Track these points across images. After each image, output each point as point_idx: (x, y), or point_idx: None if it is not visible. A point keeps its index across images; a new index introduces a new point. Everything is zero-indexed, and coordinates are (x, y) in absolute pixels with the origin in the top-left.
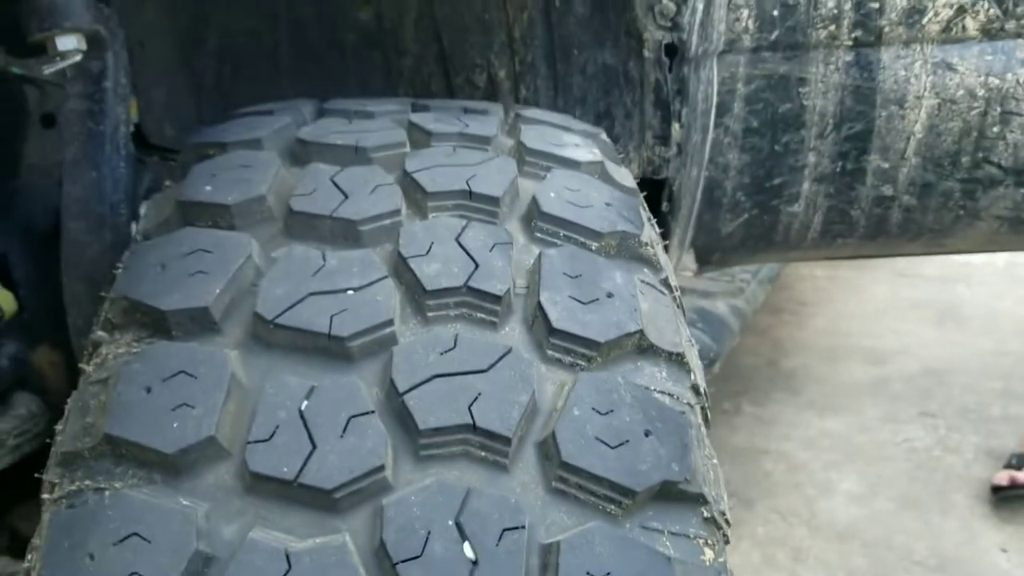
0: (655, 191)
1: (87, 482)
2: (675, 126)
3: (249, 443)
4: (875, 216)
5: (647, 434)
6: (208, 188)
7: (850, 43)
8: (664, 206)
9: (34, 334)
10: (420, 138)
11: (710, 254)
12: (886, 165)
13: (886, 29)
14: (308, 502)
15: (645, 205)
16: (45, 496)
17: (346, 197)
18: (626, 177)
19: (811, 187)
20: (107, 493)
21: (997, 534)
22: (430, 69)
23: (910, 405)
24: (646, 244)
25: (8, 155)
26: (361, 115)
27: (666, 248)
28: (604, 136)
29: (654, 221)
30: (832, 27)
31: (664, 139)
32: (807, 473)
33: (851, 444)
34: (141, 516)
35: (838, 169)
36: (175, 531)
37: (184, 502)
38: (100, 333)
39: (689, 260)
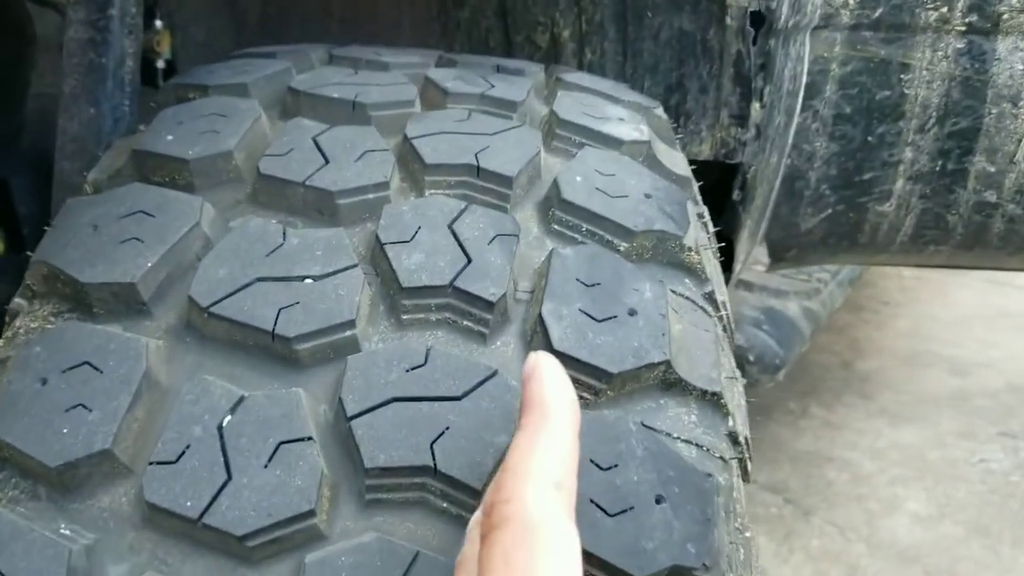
0: (727, 177)
1: None
2: (755, 105)
3: (151, 464)
4: (974, 224)
5: (659, 500)
6: (169, 138)
7: (962, 28)
8: (735, 194)
9: None
10: (434, 97)
11: (786, 251)
12: (992, 168)
13: (1005, 16)
14: (216, 546)
15: (698, 198)
16: None
17: (327, 162)
18: (679, 163)
19: (905, 186)
20: None
21: None
22: (489, 23)
23: (990, 423)
24: (689, 249)
25: (14, 82)
26: (372, 65)
27: (733, 243)
28: (660, 111)
29: (707, 219)
30: (944, 9)
31: (742, 119)
32: (872, 486)
33: (922, 459)
34: (7, 544)
35: (937, 168)
36: (42, 570)
37: (64, 530)
38: (19, 301)
39: (761, 254)
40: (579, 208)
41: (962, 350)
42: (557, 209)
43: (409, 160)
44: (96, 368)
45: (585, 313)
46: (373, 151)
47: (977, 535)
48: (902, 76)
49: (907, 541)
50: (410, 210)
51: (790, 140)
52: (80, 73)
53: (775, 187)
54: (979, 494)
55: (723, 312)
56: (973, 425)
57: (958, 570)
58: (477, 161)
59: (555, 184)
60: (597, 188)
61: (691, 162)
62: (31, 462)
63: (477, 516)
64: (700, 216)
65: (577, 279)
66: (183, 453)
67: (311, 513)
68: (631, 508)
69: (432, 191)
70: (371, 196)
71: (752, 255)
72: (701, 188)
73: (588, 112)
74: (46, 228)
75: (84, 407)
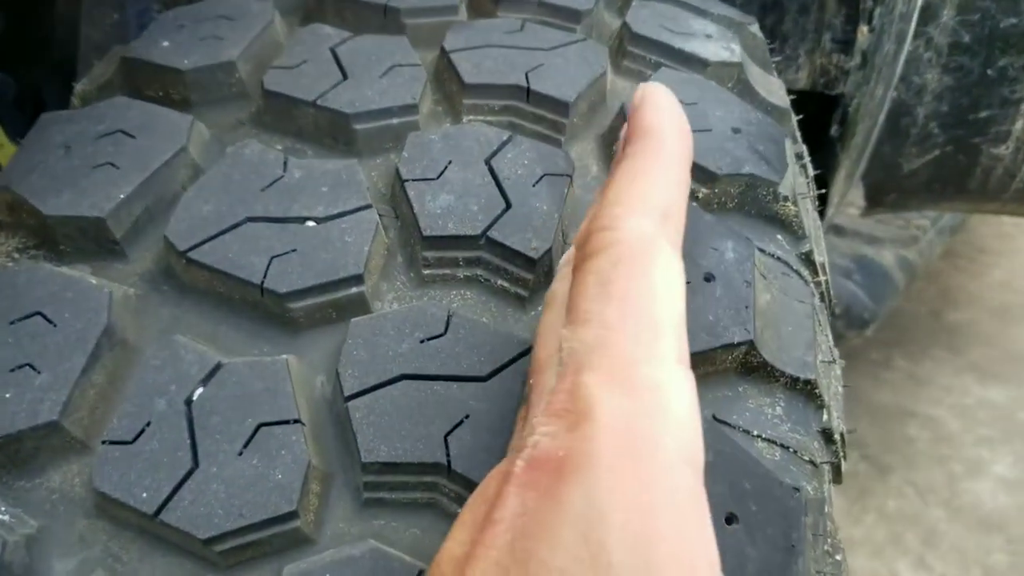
0: (825, 109)
1: None
2: (862, 29)
3: (103, 443)
4: None
5: (730, 520)
6: (165, 44)
7: None
8: (834, 129)
9: None
10: (483, 3)
11: (885, 194)
12: None
13: None
14: (178, 546)
15: (798, 135)
16: None
17: (345, 77)
18: (776, 91)
19: None
20: None
21: None
22: None
23: None
24: (785, 198)
25: None
26: None
27: (829, 183)
28: (755, 28)
29: (807, 161)
30: None
31: (846, 45)
32: (955, 447)
33: (1012, 420)
34: None
35: None
36: None
37: (4, 515)
38: None
39: (857, 197)
40: None
41: None
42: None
43: (446, 78)
44: (49, 320)
45: None
46: (402, 66)
47: None
48: None
49: (990, 507)
50: (440, 140)
51: (899, 70)
52: None
53: (879, 122)
54: None
55: (822, 277)
56: None
57: None
58: (527, 82)
59: (621, 112)
60: None
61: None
62: None
63: (568, 254)
64: (799, 157)
65: None
66: (142, 431)
67: (293, 515)
68: None
69: (470, 117)
70: (395, 121)
71: (846, 198)
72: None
73: (668, 26)
74: None
75: (32, 368)
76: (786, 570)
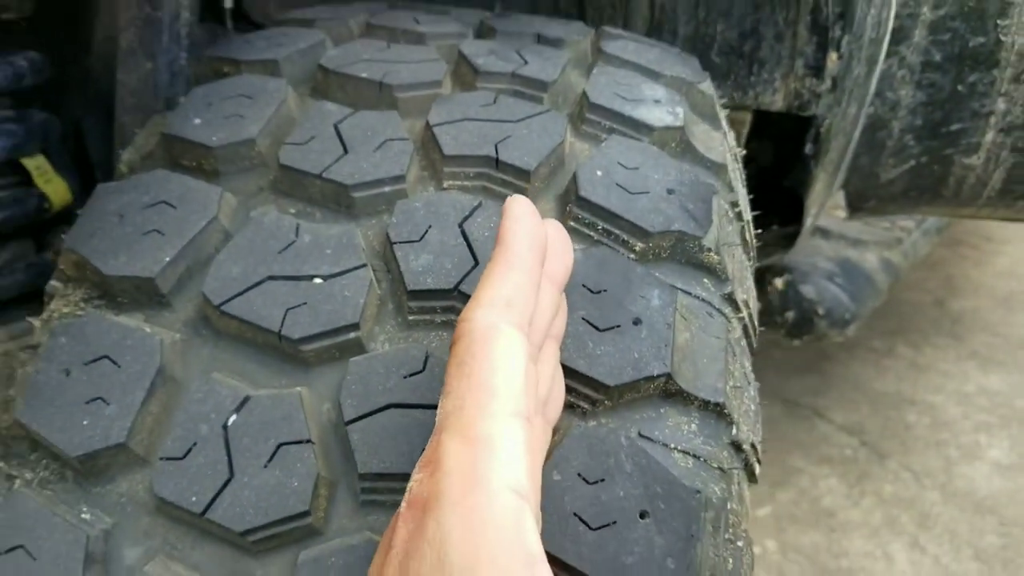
0: (801, 128)
1: (1, 464)
2: (832, 56)
3: (160, 459)
4: None
5: (643, 515)
6: (197, 121)
7: None
8: (808, 147)
9: None
10: (466, 75)
11: (864, 201)
12: None
13: None
14: (220, 538)
15: (734, 183)
16: None
17: (345, 152)
18: (716, 147)
19: (996, 138)
20: (17, 483)
21: None
22: None
23: None
24: (709, 249)
25: (82, 23)
26: (408, 37)
27: (804, 196)
28: (705, 85)
29: (743, 207)
30: None
31: (817, 70)
32: (953, 432)
33: (1011, 407)
34: (33, 527)
35: None
36: (63, 553)
37: (86, 514)
38: (54, 283)
39: (839, 202)
40: (596, 206)
41: None
42: (574, 206)
43: (429, 149)
44: (115, 362)
45: (587, 322)
46: (393, 140)
47: None
48: (999, 22)
49: (985, 491)
50: (423, 207)
51: (872, 89)
52: (136, 27)
53: (854, 138)
54: None
55: (744, 312)
56: None
57: None
58: (496, 152)
59: (574, 179)
60: (617, 183)
61: (765, 114)
62: (57, 450)
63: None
64: (733, 205)
65: (583, 285)
66: (190, 450)
67: (306, 513)
68: (614, 523)
69: (450, 183)
70: (387, 189)
71: (829, 204)
72: (775, 137)
73: (622, 93)
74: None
75: (103, 400)
76: (685, 554)
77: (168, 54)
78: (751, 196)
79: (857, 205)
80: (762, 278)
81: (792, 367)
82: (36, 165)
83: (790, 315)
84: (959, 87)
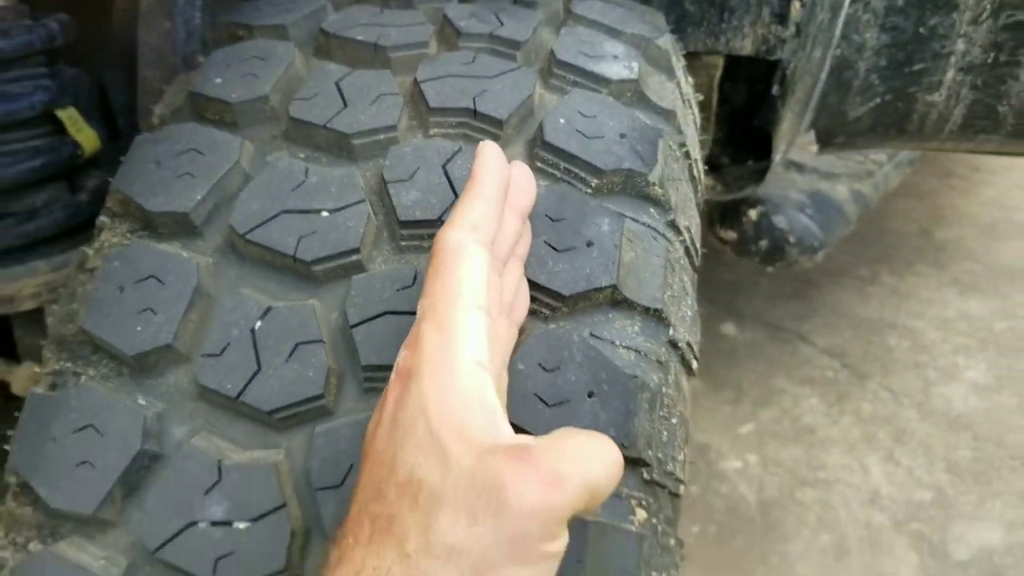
0: (769, 72)
1: (69, 364)
2: (795, 4)
3: (202, 356)
4: None
5: (590, 395)
6: (218, 81)
7: None
8: (775, 89)
9: None
10: (449, 36)
11: (833, 137)
12: None
13: None
14: (250, 418)
15: (683, 127)
16: (37, 369)
17: (345, 105)
18: (667, 97)
19: (955, 76)
20: (82, 379)
21: None
22: None
23: None
24: (654, 183)
25: None
26: (399, 2)
27: (773, 134)
28: (663, 40)
29: (690, 148)
30: None
31: (782, 18)
32: (932, 355)
33: (989, 330)
34: (99, 411)
35: (989, 60)
36: (126, 428)
37: (141, 401)
38: (103, 219)
39: (810, 140)
40: (558, 149)
41: None
42: (540, 149)
43: (417, 102)
44: (160, 281)
45: (548, 244)
46: (386, 95)
47: None
48: None
49: (960, 409)
50: (412, 151)
51: (838, 33)
52: None
53: (821, 79)
54: None
55: (685, 236)
56: None
57: (1008, 440)
58: (474, 104)
59: (540, 126)
60: (577, 130)
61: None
62: (115, 350)
63: None
64: (681, 146)
65: (546, 215)
66: (225, 348)
67: (320, 396)
68: (567, 401)
69: (435, 131)
70: (381, 137)
71: (793, 146)
72: (747, 80)
73: (585, 51)
74: (137, 118)
75: (151, 311)
76: (624, 426)
77: (184, 14)
78: (726, 134)
79: (827, 141)
80: (738, 210)
81: (779, 295)
82: (68, 116)
83: (763, 244)
84: (921, 29)
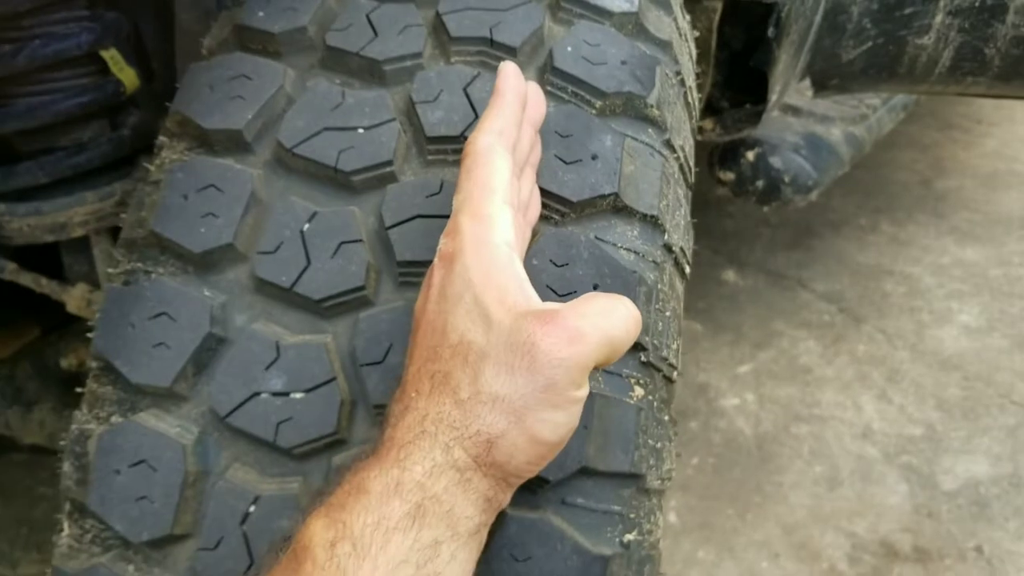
0: (766, 15)
1: (139, 264)
2: None
3: (258, 253)
4: (1012, 57)
5: (595, 287)
6: (261, 14)
7: None
8: (771, 31)
9: (162, 103)
10: None
11: (828, 80)
12: None
13: None
14: (301, 306)
15: (679, 58)
16: (110, 270)
17: (376, 35)
18: (664, 28)
19: (944, 20)
20: (152, 276)
21: None
22: None
23: None
24: (652, 105)
25: None
26: None
27: (769, 75)
28: None
29: (685, 75)
30: None
31: None
32: (927, 299)
33: (983, 276)
34: (172, 300)
35: (977, 4)
36: (196, 315)
37: (207, 293)
38: (162, 138)
39: (805, 85)
40: (566, 74)
41: None
42: (550, 74)
43: (439, 32)
44: (219, 189)
45: (558, 157)
46: (411, 26)
47: (1022, 348)
48: None
49: (952, 350)
50: (436, 76)
51: None
52: None
53: (815, 22)
54: None
55: (679, 154)
56: None
57: (996, 378)
58: (491, 34)
59: (550, 53)
60: (583, 57)
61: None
62: (182, 250)
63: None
64: (676, 74)
65: (555, 131)
66: (279, 247)
67: (361, 288)
68: (573, 291)
69: (456, 58)
70: (408, 63)
71: (789, 87)
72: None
73: None
74: (170, 62)
75: (213, 215)
76: None
77: None
78: (725, 78)
79: (821, 84)
80: (736, 152)
81: (779, 244)
82: (111, 56)
83: (760, 183)
84: None
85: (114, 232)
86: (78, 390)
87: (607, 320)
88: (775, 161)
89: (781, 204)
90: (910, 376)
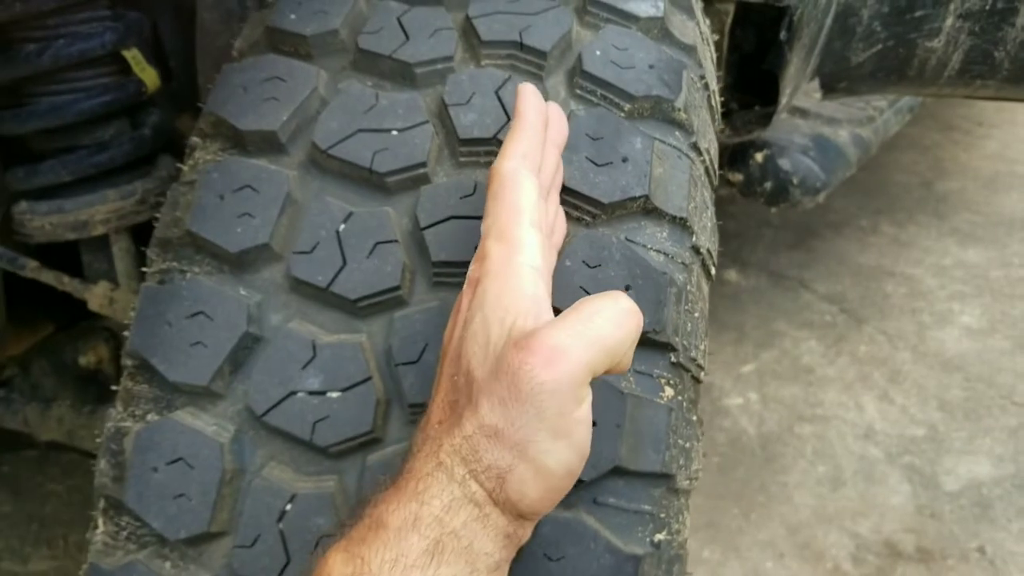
0: (778, 18)
1: (174, 263)
2: None
3: (294, 253)
4: (1021, 60)
5: (627, 288)
6: (292, 17)
7: None
8: (782, 34)
9: (180, 103)
10: None
11: (837, 83)
12: None
13: None
14: (337, 306)
15: (703, 62)
16: (144, 269)
17: (407, 38)
18: (689, 33)
19: (955, 23)
20: (188, 275)
21: None
22: None
23: None
24: (679, 109)
25: None
26: None
27: (780, 78)
28: None
29: (709, 79)
30: None
31: None
32: (928, 300)
33: (984, 278)
34: (208, 299)
35: (987, 7)
36: (233, 314)
37: (243, 292)
38: (195, 139)
39: (814, 87)
40: (595, 77)
41: None
42: (579, 78)
43: (469, 36)
44: (255, 189)
45: (589, 160)
46: (442, 29)
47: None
48: None
49: (953, 351)
50: (467, 79)
51: None
52: None
53: (826, 25)
54: None
55: (705, 156)
56: None
57: (998, 379)
58: (521, 38)
59: (579, 57)
60: (612, 60)
61: (747, 5)
62: (219, 249)
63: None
64: (701, 78)
65: (587, 134)
66: (315, 247)
67: (397, 288)
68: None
69: (486, 62)
70: (440, 66)
71: (800, 90)
72: (758, 26)
73: None
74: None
75: (249, 215)
76: (656, 312)
77: None
78: (735, 80)
79: (831, 86)
80: (745, 153)
81: (781, 244)
82: (132, 56)
83: (768, 185)
84: None
85: (134, 231)
86: (112, 388)
87: (590, 325)
88: (784, 163)
89: (789, 205)
90: (912, 377)
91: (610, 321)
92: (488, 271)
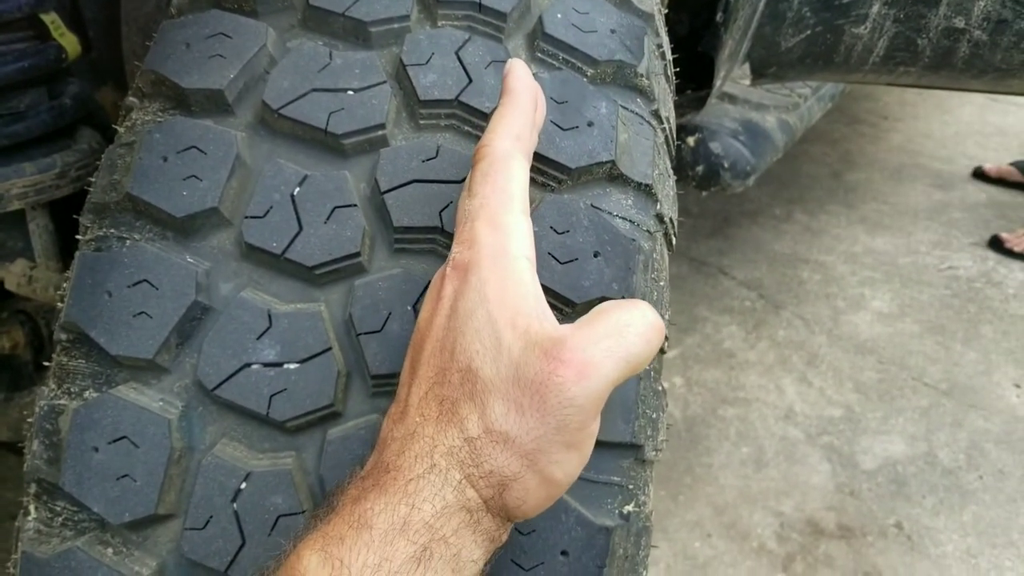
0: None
1: (112, 230)
2: None
3: (246, 217)
4: (942, 47)
5: (596, 255)
6: None
7: None
8: (718, 16)
9: (100, 74)
10: None
11: (766, 67)
12: None
13: None
14: (293, 273)
15: (660, 31)
16: (79, 237)
17: None
18: (646, 1)
19: (880, 10)
20: (128, 242)
21: (1015, 370)
22: None
23: (965, 235)
24: (641, 75)
25: None
26: None
27: (716, 59)
28: None
29: (665, 49)
30: None
31: None
32: (841, 286)
33: (893, 264)
34: (152, 266)
35: None
36: (179, 282)
37: (190, 259)
38: (132, 99)
39: (744, 72)
40: (557, 40)
41: (951, 165)
42: (541, 41)
43: None
44: (201, 151)
45: (554, 123)
46: None
47: (932, 333)
48: None
49: (866, 335)
50: (426, 39)
51: None
52: None
53: (759, 9)
54: (941, 297)
55: (665, 125)
56: (948, 236)
57: (909, 362)
58: None
59: (540, 20)
60: (573, 24)
61: None
62: (162, 214)
63: (471, 172)
64: (659, 47)
65: (551, 97)
66: (268, 211)
67: (357, 254)
68: (576, 259)
69: (443, 23)
70: (396, 26)
71: (732, 73)
72: (690, 11)
73: None
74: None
75: (196, 177)
76: (624, 280)
77: None
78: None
79: (760, 71)
80: (677, 137)
81: (700, 232)
82: (51, 20)
83: (700, 168)
84: None
85: (51, 206)
86: (26, 374)
87: (621, 341)
88: (715, 146)
89: (720, 189)
90: (828, 360)
91: (641, 337)
92: (480, 261)
